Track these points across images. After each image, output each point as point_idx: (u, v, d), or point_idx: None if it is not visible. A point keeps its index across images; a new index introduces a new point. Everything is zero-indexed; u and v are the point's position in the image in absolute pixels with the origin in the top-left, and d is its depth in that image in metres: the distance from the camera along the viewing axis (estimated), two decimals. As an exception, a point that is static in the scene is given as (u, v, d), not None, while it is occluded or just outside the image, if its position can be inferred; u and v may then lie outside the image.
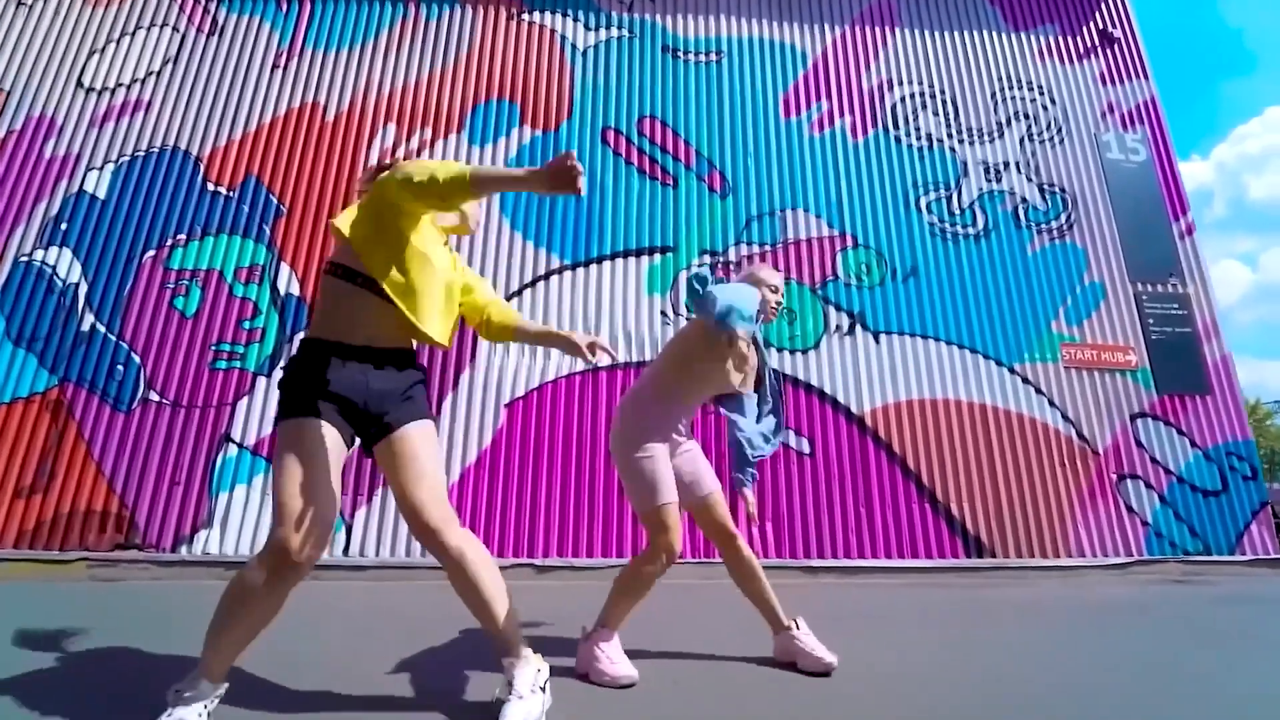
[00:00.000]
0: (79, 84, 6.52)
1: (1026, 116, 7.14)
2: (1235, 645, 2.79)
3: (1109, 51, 7.47)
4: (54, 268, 5.87)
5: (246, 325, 5.81)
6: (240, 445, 5.48)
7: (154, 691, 1.79)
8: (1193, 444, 6.11)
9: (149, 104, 6.48)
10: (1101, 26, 7.55)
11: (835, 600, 3.58)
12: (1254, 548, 5.84)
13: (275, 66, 6.70)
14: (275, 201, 6.20)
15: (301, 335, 2.27)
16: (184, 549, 5.18)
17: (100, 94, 6.49)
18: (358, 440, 1.92)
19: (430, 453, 1.92)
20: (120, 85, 6.54)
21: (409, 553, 5.19)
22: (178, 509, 5.29)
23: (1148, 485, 5.94)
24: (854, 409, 5.87)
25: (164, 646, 2.57)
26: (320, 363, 1.82)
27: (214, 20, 6.85)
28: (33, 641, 2.64)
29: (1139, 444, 6.05)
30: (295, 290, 5.91)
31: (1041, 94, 7.26)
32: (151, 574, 5.00)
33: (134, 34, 6.73)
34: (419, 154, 6.45)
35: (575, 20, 7.08)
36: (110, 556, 5.08)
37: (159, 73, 6.60)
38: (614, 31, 7.07)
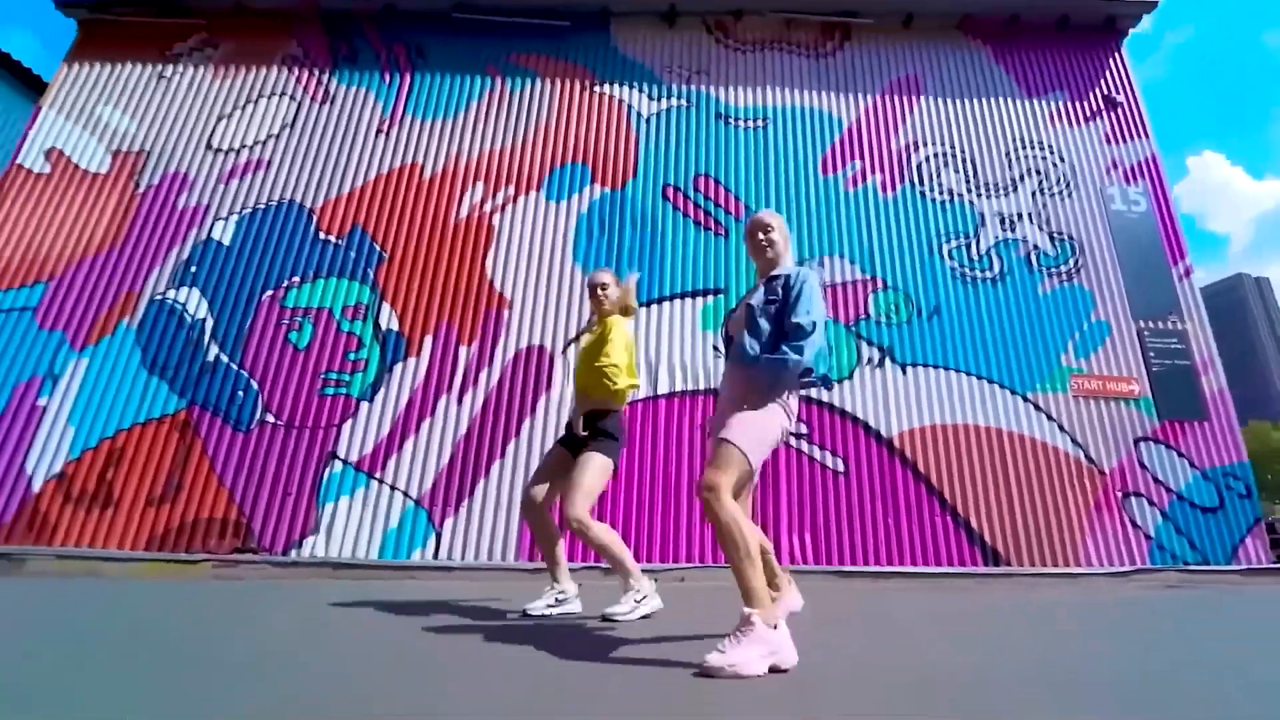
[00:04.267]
0: (208, 145, 7.43)
1: (1038, 173, 7.75)
2: (1183, 639, 2.97)
3: (1113, 115, 8.09)
4: (184, 305, 6.69)
5: (352, 357, 6.57)
6: (345, 462, 6.17)
7: (279, 664, 2.06)
8: (1192, 465, 6.59)
9: (269, 163, 7.36)
10: (1106, 93, 8.19)
11: (866, 602, 3.91)
12: (1249, 559, 6.31)
13: (380, 131, 7.57)
14: (378, 249, 7.01)
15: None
16: (294, 552, 5.83)
17: (227, 154, 7.39)
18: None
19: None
20: (244, 146, 7.44)
21: (490, 557, 5.83)
22: (289, 517, 5.98)
23: (1150, 503, 6.42)
24: (884, 432, 6.47)
25: (282, 631, 2.86)
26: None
27: (326, 90, 7.77)
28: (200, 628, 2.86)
29: (1142, 465, 6.55)
30: (395, 326, 6.68)
31: (1051, 153, 7.87)
32: (267, 574, 5.53)
33: (256, 102, 7.66)
34: (503, 209, 7.27)
35: (640, 91, 7.90)
36: (231, 558, 5.69)
37: (278, 136, 7.50)
38: (674, 101, 7.87)
